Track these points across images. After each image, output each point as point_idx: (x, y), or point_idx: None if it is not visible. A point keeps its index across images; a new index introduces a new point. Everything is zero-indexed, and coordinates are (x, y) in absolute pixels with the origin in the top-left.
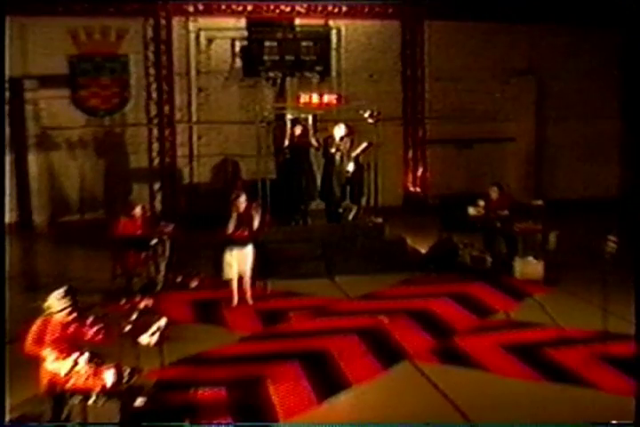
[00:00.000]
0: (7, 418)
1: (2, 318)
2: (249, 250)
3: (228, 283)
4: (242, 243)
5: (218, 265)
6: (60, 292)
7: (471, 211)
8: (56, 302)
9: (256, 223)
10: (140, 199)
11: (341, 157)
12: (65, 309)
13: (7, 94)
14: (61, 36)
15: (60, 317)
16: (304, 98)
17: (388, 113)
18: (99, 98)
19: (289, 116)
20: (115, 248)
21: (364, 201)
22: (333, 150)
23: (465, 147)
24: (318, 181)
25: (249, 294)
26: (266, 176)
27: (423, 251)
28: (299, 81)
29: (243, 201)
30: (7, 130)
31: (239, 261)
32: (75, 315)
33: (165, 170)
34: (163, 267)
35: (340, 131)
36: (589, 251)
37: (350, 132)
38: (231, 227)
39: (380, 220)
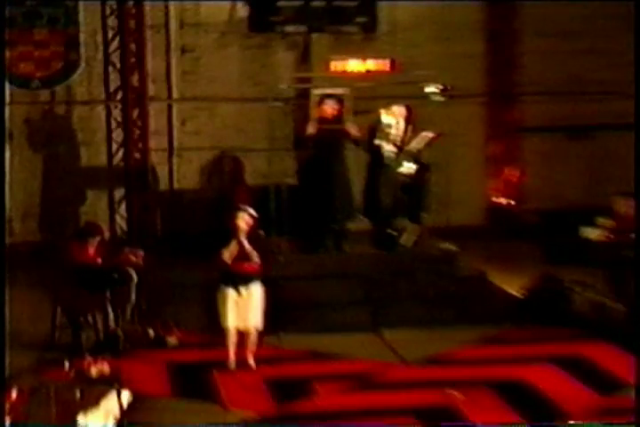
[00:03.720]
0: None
1: (2, 319)
2: (256, 289)
3: (222, 338)
4: (245, 279)
5: (210, 312)
6: None
7: (589, 233)
8: None
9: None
10: (95, 213)
11: (395, 154)
12: None
13: None
14: None
15: None
16: (338, 64)
17: (464, 87)
18: (32, 61)
19: (316, 92)
20: (57, 286)
21: (427, 219)
22: (381, 143)
23: (581, 137)
24: (360, 189)
25: (252, 354)
26: (282, 180)
27: (516, 293)
28: (331, 39)
29: (247, 217)
30: None
31: (240, 306)
32: None
33: (132, 170)
34: (127, 314)
35: (392, 114)
36: None
37: (409, 115)
38: (228, 255)
39: (451, 246)
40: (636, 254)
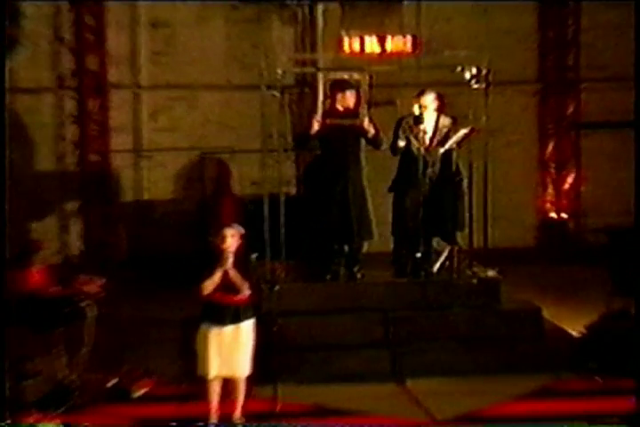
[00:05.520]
0: None
1: (1, 314)
2: (245, 328)
3: (202, 388)
4: (233, 314)
5: (187, 356)
6: None
7: None
8: None
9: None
10: (43, 231)
11: (425, 156)
12: None
13: None
14: None
15: None
16: (351, 42)
17: (509, 71)
18: None
19: (323, 78)
20: None
21: (461, 238)
22: (408, 143)
23: None
24: (378, 201)
25: (239, 408)
26: (279, 189)
27: (576, 333)
28: (342, 11)
29: (234, 236)
30: None
31: (226, 349)
32: None
33: (89, 176)
34: (83, 358)
35: (421, 104)
36: None
37: (440, 106)
38: (211, 284)
39: (492, 273)
40: (637, 255)
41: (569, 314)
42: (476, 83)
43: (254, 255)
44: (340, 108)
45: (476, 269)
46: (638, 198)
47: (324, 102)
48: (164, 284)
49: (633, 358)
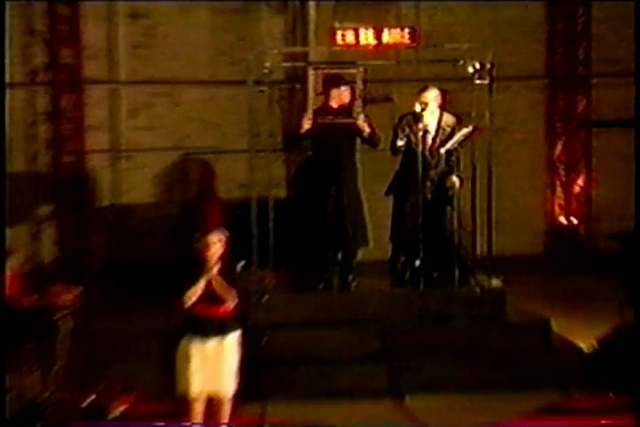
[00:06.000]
0: None
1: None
2: (230, 341)
3: (185, 406)
4: (217, 327)
5: (169, 371)
6: None
7: None
8: None
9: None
10: (15, 237)
11: (424, 156)
12: None
13: None
14: None
15: None
16: (344, 34)
17: (514, 66)
18: None
19: (313, 73)
20: None
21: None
22: (408, 142)
23: None
24: (374, 205)
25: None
26: (268, 192)
27: (587, 347)
28: (335, 1)
29: (219, 243)
30: None
31: (210, 364)
32: None
33: (63, 178)
34: (56, 375)
35: (422, 102)
36: None
37: (443, 103)
38: (194, 294)
39: (497, 282)
40: (637, 257)
41: (579, 326)
42: (480, 78)
43: (241, 263)
44: (333, 104)
45: (479, 277)
46: (639, 199)
47: (316, 99)
48: (143, 294)
49: None
